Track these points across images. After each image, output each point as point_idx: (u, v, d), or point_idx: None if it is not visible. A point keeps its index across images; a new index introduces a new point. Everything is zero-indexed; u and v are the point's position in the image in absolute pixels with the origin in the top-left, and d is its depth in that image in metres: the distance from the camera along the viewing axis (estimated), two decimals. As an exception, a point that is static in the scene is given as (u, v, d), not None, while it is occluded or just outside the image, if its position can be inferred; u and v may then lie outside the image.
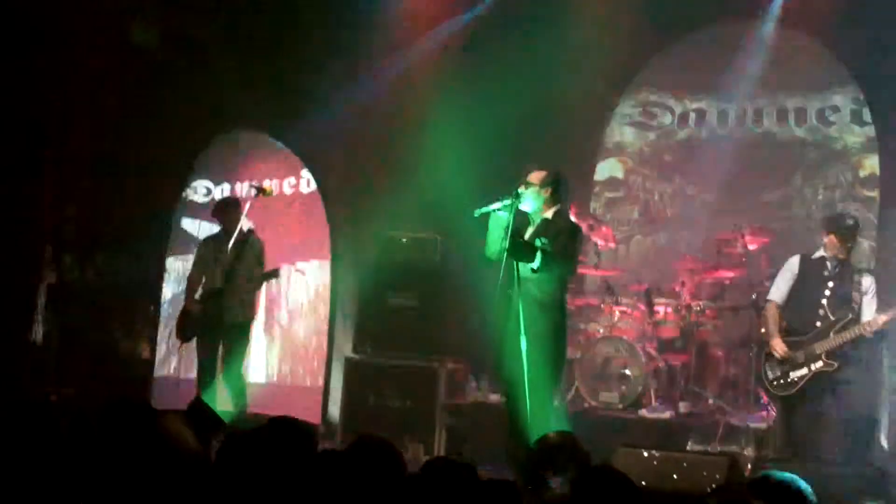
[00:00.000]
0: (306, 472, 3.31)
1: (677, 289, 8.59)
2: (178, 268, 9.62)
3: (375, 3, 9.19)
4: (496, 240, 6.27)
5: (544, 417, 5.90)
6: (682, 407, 8.09)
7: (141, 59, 8.70)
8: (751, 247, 8.34)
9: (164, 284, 9.48)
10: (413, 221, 8.95)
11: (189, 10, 8.92)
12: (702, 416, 8.03)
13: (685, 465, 5.78)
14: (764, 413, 7.75)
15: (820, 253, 6.80)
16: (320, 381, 9.45)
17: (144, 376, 8.98)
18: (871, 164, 9.30)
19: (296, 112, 9.23)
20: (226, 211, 8.27)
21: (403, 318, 8.49)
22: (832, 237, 6.71)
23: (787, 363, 6.64)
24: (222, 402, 7.57)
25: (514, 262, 6.23)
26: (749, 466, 6.34)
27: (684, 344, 8.44)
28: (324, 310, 9.77)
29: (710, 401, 8.14)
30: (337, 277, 9.71)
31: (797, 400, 6.66)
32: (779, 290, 6.92)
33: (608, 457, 5.59)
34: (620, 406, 8.13)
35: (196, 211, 9.78)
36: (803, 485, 3.37)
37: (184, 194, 9.76)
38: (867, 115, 9.30)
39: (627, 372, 8.18)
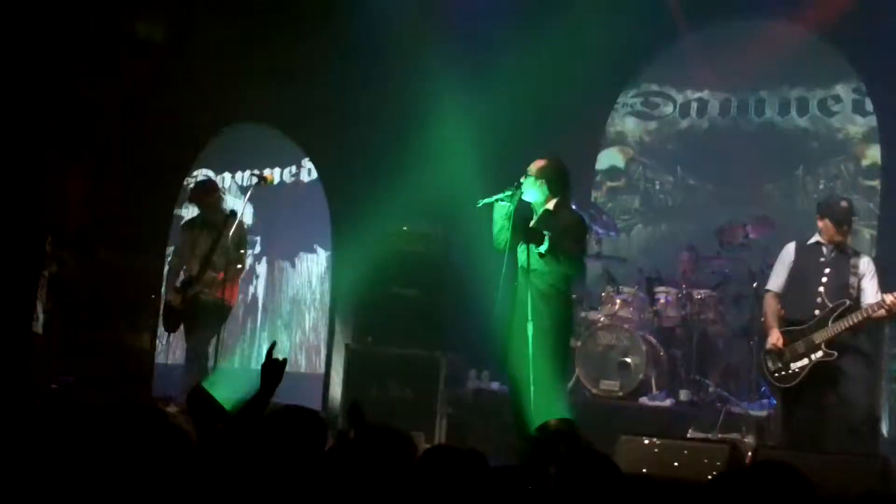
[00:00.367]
0: (316, 461, 3.32)
1: (678, 278, 8.60)
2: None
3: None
4: (500, 230, 6.32)
5: (548, 407, 5.93)
6: (683, 395, 8.11)
7: (144, 53, 8.70)
8: (752, 236, 8.33)
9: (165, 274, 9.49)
10: (415, 212, 8.94)
11: (193, 3, 8.92)
12: (702, 404, 8.05)
13: (686, 452, 5.78)
14: (764, 401, 7.78)
15: (815, 238, 6.68)
16: (321, 370, 9.46)
17: (146, 366, 8.98)
18: (873, 154, 9.31)
19: (298, 102, 9.23)
20: (203, 195, 8.10)
21: (405, 308, 8.47)
22: (826, 222, 6.58)
23: (787, 354, 6.53)
24: (222, 390, 7.54)
25: (520, 254, 6.29)
26: (749, 454, 6.33)
27: (685, 333, 8.46)
28: (325, 299, 9.79)
29: (711, 389, 8.15)
30: (338, 267, 9.72)
31: (798, 390, 6.54)
32: (776, 279, 6.80)
33: (609, 445, 5.60)
34: (621, 394, 8.14)
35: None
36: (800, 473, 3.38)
37: (185, 183, 9.76)
38: (869, 105, 9.31)
39: (628, 360, 8.19)
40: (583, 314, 8.64)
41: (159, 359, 9.20)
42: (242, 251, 7.97)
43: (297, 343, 10.02)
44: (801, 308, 6.63)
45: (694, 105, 10.03)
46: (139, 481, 3.09)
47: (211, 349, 7.74)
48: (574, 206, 6.68)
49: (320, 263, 10.05)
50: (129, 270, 8.42)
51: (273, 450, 3.31)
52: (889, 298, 6.25)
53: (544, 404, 5.99)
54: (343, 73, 9.26)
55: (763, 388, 7.85)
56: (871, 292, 6.46)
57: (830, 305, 6.46)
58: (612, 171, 10.23)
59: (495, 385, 8.41)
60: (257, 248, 10.42)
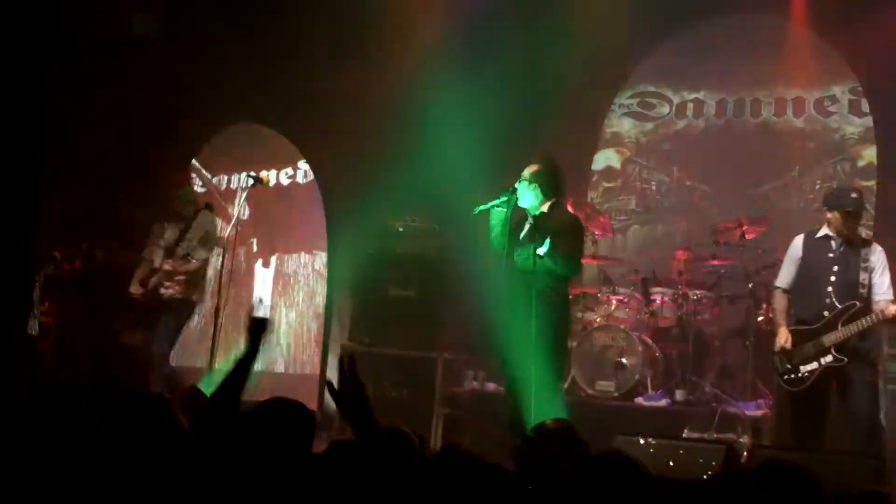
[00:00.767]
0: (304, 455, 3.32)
1: (674, 278, 8.60)
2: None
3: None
4: (497, 235, 6.47)
5: (545, 408, 5.95)
6: (679, 395, 8.10)
7: (140, 52, 8.69)
8: (748, 236, 8.33)
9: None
10: (411, 212, 8.95)
11: (189, 2, 8.91)
12: (698, 404, 8.03)
13: (681, 452, 5.79)
14: (760, 401, 7.78)
15: (824, 231, 6.50)
16: (317, 370, 9.46)
17: (142, 365, 8.96)
18: (869, 155, 9.31)
19: (294, 103, 9.23)
20: (174, 186, 7.92)
21: (401, 307, 8.48)
22: (836, 214, 6.39)
23: (797, 356, 6.41)
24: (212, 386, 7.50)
25: (517, 257, 6.35)
26: (745, 454, 6.34)
27: (681, 333, 8.46)
28: (321, 299, 9.78)
29: (707, 389, 8.15)
30: (334, 267, 9.72)
31: (805, 392, 6.43)
32: (785, 275, 6.66)
33: (605, 445, 5.60)
34: (617, 394, 8.14)
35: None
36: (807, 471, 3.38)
37: (198, 195, 9.77)
38: (865, 105, 9.31)
39: (624, 361, 8.19)
40: (579, 315, 8.64)
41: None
42: (206, 248, 7.72)
43: (293, 344, 10.00)
44: (809, 307, 6.50)
45: (690, 105, 10.02)
46: (138, 468, 3.11)
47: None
48: (569, 208, 6.75)
49: (317, 264, 10.04)
50: (124, 270, 8.41)
51: (261, 442, 3.31)
52: (892, 309, 6.16)
53: (541, 404, 6.02)
54: (339, 73, 9.25)
55: (758, 388, 7.86)
56: (882, 287, 6.32)
57: (839, 307, 6.32)
58: (609, 172, 10.23)
59: (492, 385, 8.40)
60: (254, 249, 10.41)
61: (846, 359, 6.28)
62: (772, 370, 6.76)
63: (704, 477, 5.35)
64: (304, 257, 10.18)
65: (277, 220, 10.25)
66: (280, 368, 9.92)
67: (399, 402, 8.21)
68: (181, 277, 7.59)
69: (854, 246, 6.45)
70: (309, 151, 9.95)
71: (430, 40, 9.14)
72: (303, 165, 10.12)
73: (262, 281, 10.36)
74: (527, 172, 6.55)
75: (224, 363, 7.97)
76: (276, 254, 10.39)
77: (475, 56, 9.24)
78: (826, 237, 6.51)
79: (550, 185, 6.54)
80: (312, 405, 8.91)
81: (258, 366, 10.20)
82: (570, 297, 7.78)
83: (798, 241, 6.66)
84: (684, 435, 7.38)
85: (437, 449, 3.79)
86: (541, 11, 9.30)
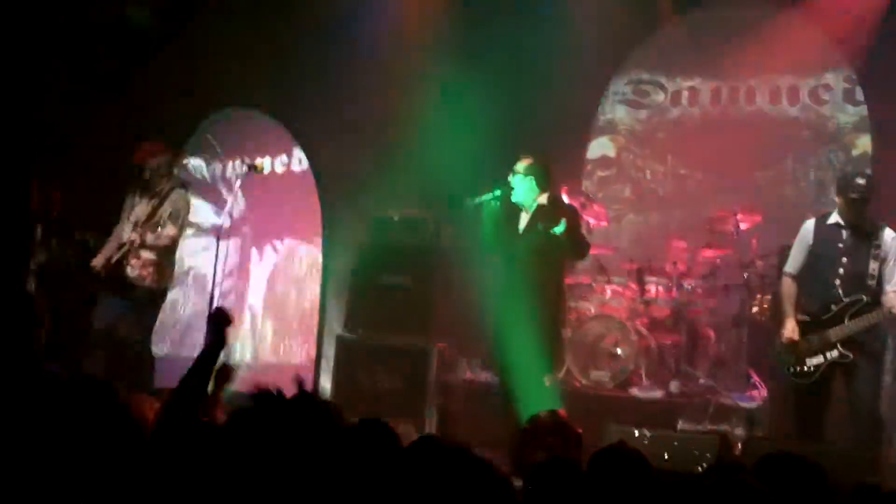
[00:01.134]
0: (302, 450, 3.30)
1: (668, 268, 8.59)
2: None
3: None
4: (489, 229, 6.67)
5: (538, 398, 5.98)
6: (673, 386, 8.10)
7: (133, 39, 8.65)
8: (742, 226, 8.32)
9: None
10: (406, 201, 8.94)
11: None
12: (692, 395, 8.03)
13: (676, 444, 5.81)
14: (755, 392, 7.78)
15: (835, 219, 6.42)
16: (311, 360, 9.46)
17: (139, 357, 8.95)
18: (864, 144, 9.29)
19: (289, 90, 9.20)
20: (146, 155, 7.33)
21: (395, 297, 8.46)
22: (841, 199, 6.31)
23: (802, 349, 6.35)
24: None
25: (515, 247, 6.38)
26: (739, 445, 6.35)
27: (675, 323, 8.46)
28: (315, 288, 9.77)
29: (701, 380, 8.15)
30: (329, 256, 9.71)
31: (808, 385, 6.38)
32: (794, 261, 6.56)
33: (599, 436, 5.61)
34: (611, 385, 8.14)
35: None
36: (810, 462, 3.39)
37: (175, 172, 9.71)
38: (860, 94, 9.28)
39: (618, 351, 8.18)
40: (573, 304, 8.64)
41: (167, 352, 9.18)
42: (177, 225, 7.23)
43: (286, 332, 10.00)
44: (815, 298, 6.43)
45: (685, 94, 9.99)
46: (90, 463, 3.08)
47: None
48: (564, 197, 6.81)
49: (311, 253, 10.03)
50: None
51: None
52: None
53: (535, 395, 6.05)
54: (335, 59, 9.23)
55: (751, 379, 7.87)
56: (893, 277, 6.23)
57: (846, 300, 6.27)
58: (603, 160, 10.20)
59: (486, 375, 8.40)
60: (249, 238, 10.40)
61: (851, 354, 6.24)
62: (776, 361, 6.67)
63: (699, 469, 5.37)
64: (299, 246, 10.16)
65: (272, 208, 10.23)
66: (273, 358, 9.91)
67: (393, 391, 8.20)
68: (150, 256, 7.16)
69: (863, 234, 6.36)
70: (304, 139, 9.92)
71: (426, 29, 9.12)
72: (297, 153, 10.10)
73: (256, 270, 10.36)
74: (520, 166, 6.66)
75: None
76: (271, 242, 10.37)
77: (470, 44, 9.22)
78: (836, 224, 6.42)
79: (545, 176, 6.69)
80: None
81: (249, 356, 10.26)
82: (565, 286, 7.80)
83: (809, 226, 6.56)
84: (678, 426, 7.38)
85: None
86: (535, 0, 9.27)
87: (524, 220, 6.72)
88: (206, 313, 3.78)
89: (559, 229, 6.40)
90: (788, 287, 6.58)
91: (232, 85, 9.43)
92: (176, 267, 7.62)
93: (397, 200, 8.91)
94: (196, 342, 8.67)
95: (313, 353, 9.54)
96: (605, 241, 9.25)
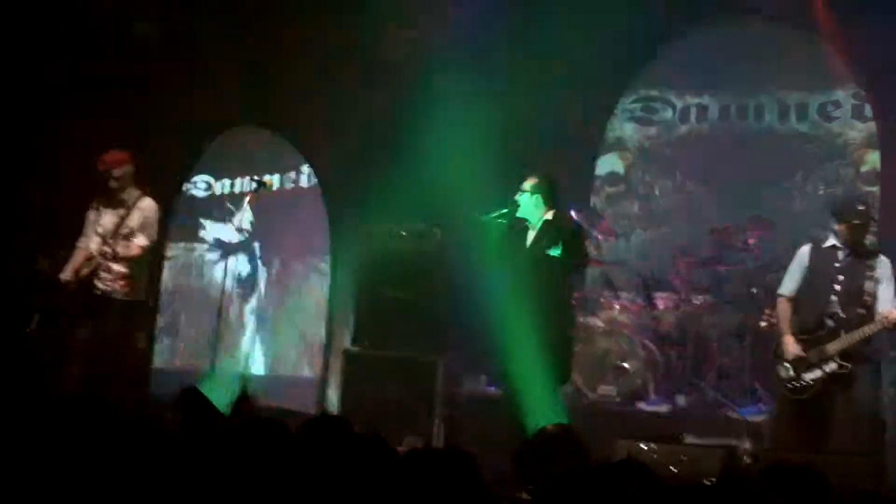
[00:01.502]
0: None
1: (676, 282, 8.58)
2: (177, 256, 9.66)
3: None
4: (497, 246, 6.86)
5: (545, 412, 5.99)
6: (680, 400, 8.09)
7: (141, 56, 8.68)
8: (750, 241, 8.32)
9: (163, 275, 9.47)
10: (412, 214, 8.95)
11: (190, 6, 8.91)
12: (699, 408, 8.03)
13: (683, 457, 5.78)
14: (760, 405, 7.75)
15: (831, 241, 6.46)
16: (318, 373, 9.46)
17: (141, 366, 8.96)
18: (873, 160, 9.29)
19: (297, 107, 9.23)
20: (112, 165, 7.03)
21: (402, 310, 8.47)
22: (843, 227, 6.35)
23: (800, 363, 6.34)
24: (216, 392, 7.45)
25: (522, 262, 6.60)
26: (746, 458, 6.32)
27: (683, 337, 8.44)
28: (322, 302, 9.79)
29: (708, 394, 8.13)
30: (336, 270, 9.72)
31: (808, 399, 6.36)
32: (789, 283, 6.59)
33: (606, 450, 5.60)
34: (618, 399, 8.13)
35: (197, 206, 9.83)
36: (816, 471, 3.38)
37: (184, 189, 9.77)
38: (868, 110, 9.29)
39: (626, 365, 8.18)
40: (581, 319, 8.63)
41: (170, 363, 9.19)
42: (146, 235, 6.99)
43: (294, 346, 10.01)
44: (812, 315, 6.44)
45: (693, 110, 10.01)
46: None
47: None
48: (573, 214, 6.92)
49: (319, 268, 10.05)
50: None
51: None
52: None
53: (541, 408, 6.05)
54: (341, 76, 9.26)
55: (756, 392, 7.84)
56: (886, 298, 6.26)
57: (843, 316, 6.28)
58: (612, 177, 10.21)
59: (492, 388, 8.39)
60: (257, 253, 10.43)
61: (850, 365, 6.23)
62: (775, 379, 6.65)
63: (707, 482, 5.34)
64: (307, 261, 10.18)
65: (280, 224, 10.26)
66: (281, 371, 9.92)
67: (400, 404, 8.19)
68: (122, 269, 6.90)
69: (861, 255, 6.41)
70: (312, 155, 9.95)
71: (433, 45, 9.15)
72: (306, 169, 10.13)
73: (264, 284, 10.38)
74: (528, 184, 6.84)
75: (225, 363, 7.99)
76: (279, 257, 10.40)
77: (478, 60, 9.25)
78: (833, 247, 6.46)
79: (550, 193, 6.85)
80: (312, 408, 8.95)
81: (261, 369, 10.29)
82: (573, 301, 7.82)
83: (805, 250, 6.60)
84: (686, 440, 7.36)
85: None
86: (543, 16, 9.29)
87: (531, 236, 6.84)
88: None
89: (555, 252, 6.56)
90: (784, 308, 6.61)
91: (240, 103, 9.47)
92: (158, 280, 7.55)
93: (404, 215, 8.93)
94: (202, 355, 8.72)
95: (321, 366, 9.53)
96: (613, 256, 9.26)
